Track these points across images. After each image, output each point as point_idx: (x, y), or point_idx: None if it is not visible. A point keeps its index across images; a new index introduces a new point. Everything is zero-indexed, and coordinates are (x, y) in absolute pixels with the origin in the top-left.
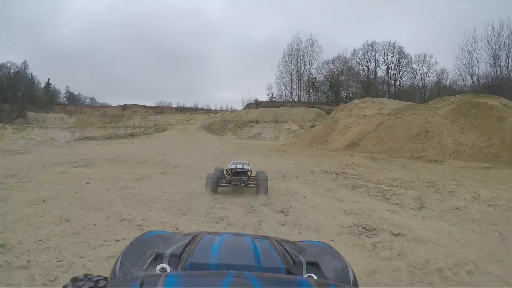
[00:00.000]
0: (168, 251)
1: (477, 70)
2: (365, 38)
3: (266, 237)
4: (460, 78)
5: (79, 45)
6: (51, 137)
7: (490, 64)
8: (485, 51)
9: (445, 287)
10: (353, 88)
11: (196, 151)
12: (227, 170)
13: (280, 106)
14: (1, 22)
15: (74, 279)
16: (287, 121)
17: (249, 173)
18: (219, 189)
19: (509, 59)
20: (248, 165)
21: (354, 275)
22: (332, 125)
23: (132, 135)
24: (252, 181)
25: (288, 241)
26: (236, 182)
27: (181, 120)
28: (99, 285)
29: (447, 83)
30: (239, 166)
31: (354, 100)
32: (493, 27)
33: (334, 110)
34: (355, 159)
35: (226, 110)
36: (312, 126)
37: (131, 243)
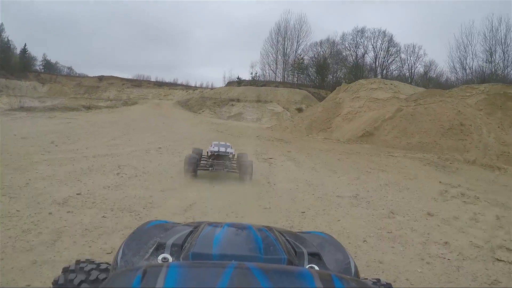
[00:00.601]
0: (170, 241)
1: (472, 63)
2: (355, 23)
3: (268, 228)
4: (453, 70)
5: (59, 13)
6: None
7: (485, 59)
8: (481, 45)
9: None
10: (340, 72)
11: (156, 135)
12: (207, 152)
13: (264, 85)
14: None
15: (77, 262)
16: (271, 101)
17: (231, 157)
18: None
19: (505, 55)
20: (231, 148)
21: (355, 266)
22: (335, 108)
23: (89, 108)
24: (234, 163)
25: (290, 232)
26: (218, 167)
27: (158, 95)
28: (92, 275)
29: (434, 75)
30: (222, 149)
31: (361, 80)
32: (492, 22)
33: (335, 90)
34: (403, 162)
35: (206, 88)
36: (298, 109)
37: (133, 232)
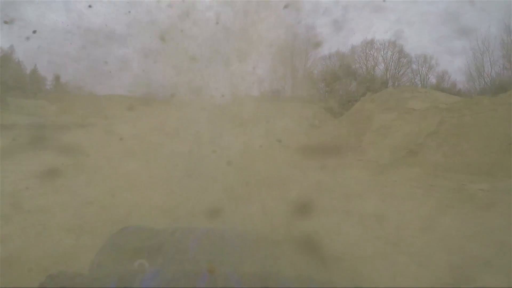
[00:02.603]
0: (146, 246)
1: (490, 70)
2: (364, 35)
3: (245, 231)
4: (470, 79)
5: (69, 35)
6: None
7: (503, 66)
8: (499, 50)
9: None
10: (351, 86)
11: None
12: None
13: (273, 101)
14: None
15: (50, 276)
16: (282, 117)
17: None
18: None
19: None
20: None
21: None
22: (362, 122)
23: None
24: None
25: (267, 235)
26: None
27: (167, 113)
28: (77, 280)
29: (447, 86)
30: None
31: (389, 89)
32: (510, 26)
33: (359, 102)
34: None
35: (212, 104)
36: (312, 125)
37: (109, 238)
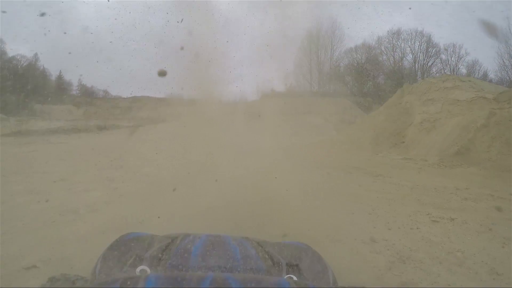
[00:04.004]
0: (148, 253)
1: None
2: (390, 24)
3: (247, 238)
4: (502, 68)
5: (93, 40)
6: None
7: None
8: None
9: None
10: (379, 78)
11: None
12: None
13: (300, 96)
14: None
15: (52, 279)
16: (309, 113)
17: None
18: None
19: None
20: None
21: (333, 276)
22: (403, 115)
23: (104, 128)
24: None
25: (268, 242)
26: None
27: (190, 113)
28: (77, 285)
29: (478, 76)
30: None
31: (429, 78)
32: None
33: (397, 93)
34: None
35: (239, 102)
36: (341, 120)
37: (111, 245)
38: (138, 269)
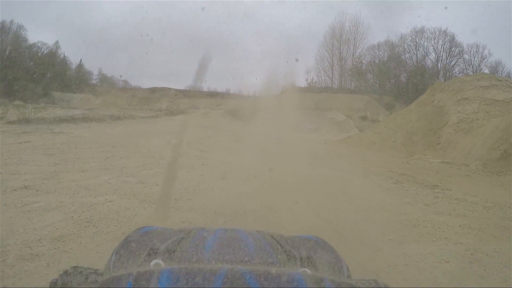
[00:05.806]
0: (162, 247)
1: None
2: (413, 23)
3: (260, 232)
4: None
5: (114, 29)
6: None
7: None
8: None
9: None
10: (402, 76)
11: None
12: None
13: (322, 92)
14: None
15: (63, 274)
16: (330, 109)
17: None
18: None
19: None
20: None
21: (348, 269)
22: (436, 114)
23: (119, 118)
24: None
25: (282, 236)
26: None
27: (210, 105)
28: (90, 279)
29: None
30: None
31: (462, 77)
32: None
33: (428, 91)
34: None
35: (259, 96)
36: (363, 117)
37: (125, 239)
38: (152, 263)
